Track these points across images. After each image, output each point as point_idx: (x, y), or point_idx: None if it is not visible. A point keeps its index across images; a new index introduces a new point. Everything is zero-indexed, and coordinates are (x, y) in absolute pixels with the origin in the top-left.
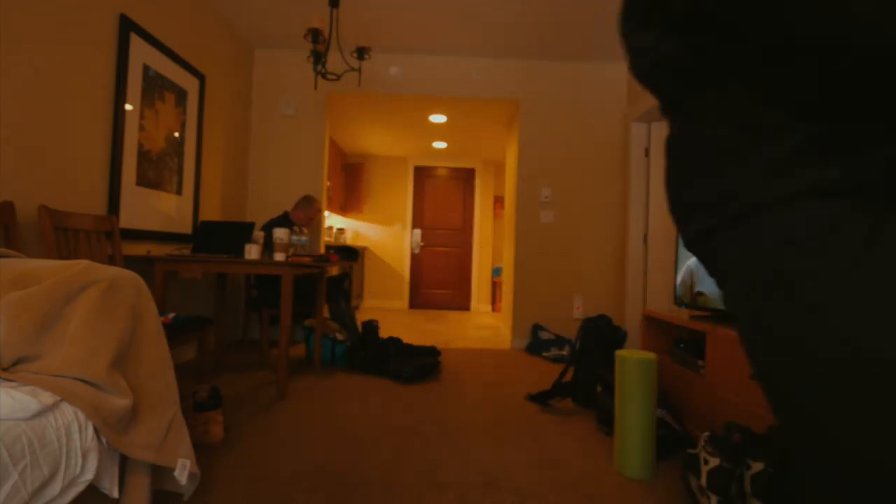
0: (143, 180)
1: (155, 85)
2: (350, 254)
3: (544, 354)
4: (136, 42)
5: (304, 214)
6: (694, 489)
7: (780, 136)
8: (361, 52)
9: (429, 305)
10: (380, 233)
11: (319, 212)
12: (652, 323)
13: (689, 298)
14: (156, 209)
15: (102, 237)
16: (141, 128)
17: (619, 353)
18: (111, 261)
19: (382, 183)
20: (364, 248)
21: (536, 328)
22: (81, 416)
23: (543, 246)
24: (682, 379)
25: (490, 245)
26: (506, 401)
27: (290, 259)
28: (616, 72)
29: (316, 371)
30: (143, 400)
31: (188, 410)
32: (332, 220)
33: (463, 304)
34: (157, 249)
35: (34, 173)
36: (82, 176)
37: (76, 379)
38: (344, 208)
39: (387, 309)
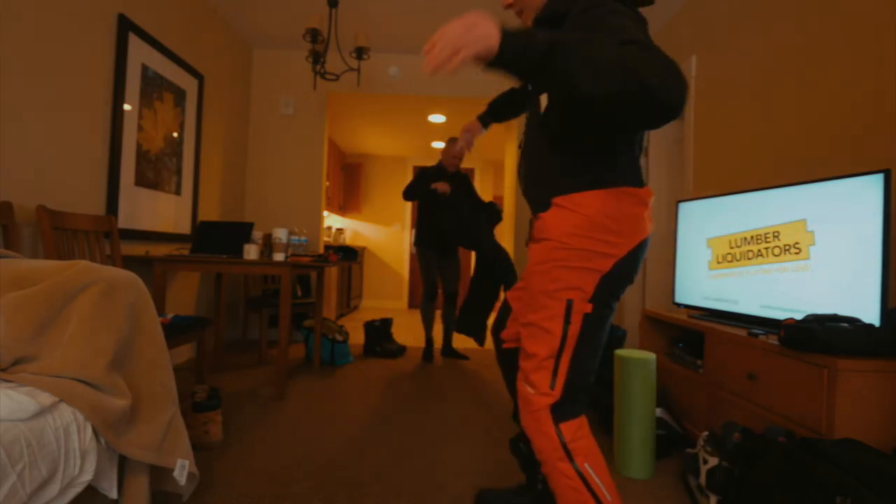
0: (141, 180)
1: (154, 85)
2: (349, 254)
3: None
4: (134, 42)
5: (445, 156)
6: (693, 489)
7: None
8: (360, 52)
9: None
10: (379, 233)
11: (460, 149)
12: (651, 322)
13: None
14: (154, 209)
15: (101, 237)
16: (139, 128)
17: (618, 352)
18: (110, 261)
19: (381, 183)
20: (363, 248)
21: None
22: (80, 416)
23: None
24: (682, 378)
25: None
26: (505, 400)
27: (288, 259)
28: None
29: (315, 371)
30: (141, 400)
31: (187, 411)
32: (331, 220)
33: None
34: (156, 250)
35: (32, 173)
36: (81, 176)
37: (75, 379)
38: (343, 208)
39: (386, 309)
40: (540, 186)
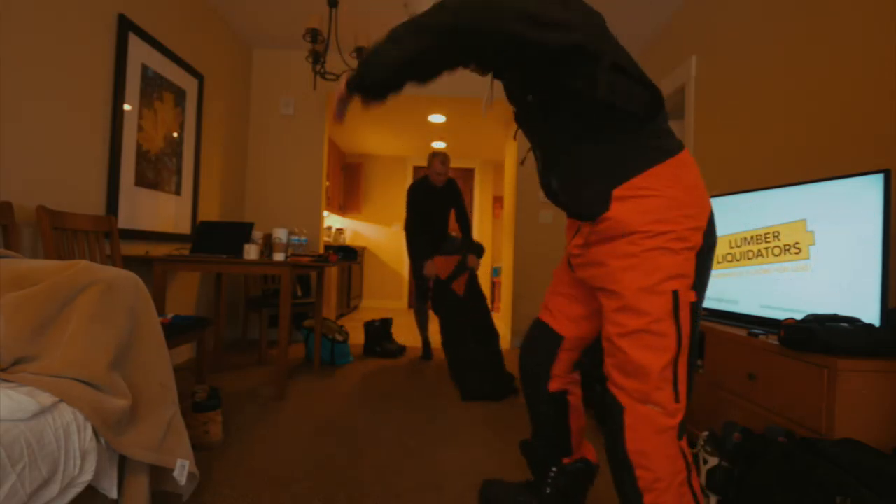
0: (141, 180)
1: (154, 85)
2: (349, 254)
3: None
4: (134, 42)
5: (430, 171)
6: None
7: None
8: (360, 52)
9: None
10: (379, 233)
11: (443, 164)
12: None
13: None
14: (154, 209)
15: (101, 237)
16: (139, 128)
17: None
18: (110, 261)
19: (381, 183)
20: (363, 248)
21: None
22: (80, 416)
23: (543, 246)
24: None
25: (489, 245)
26: (503, 399)
27: (288, 259)
28: None
29: (315, 371)
30: (141, 400)
31: (187, 411)
32: (331, 220)
33: None
34: (156, 250)
35: (32, 173)
36: (81, 176)
37: (75, 380)
38: (343, 208)
39: (386, 309)
40: (585, 187)
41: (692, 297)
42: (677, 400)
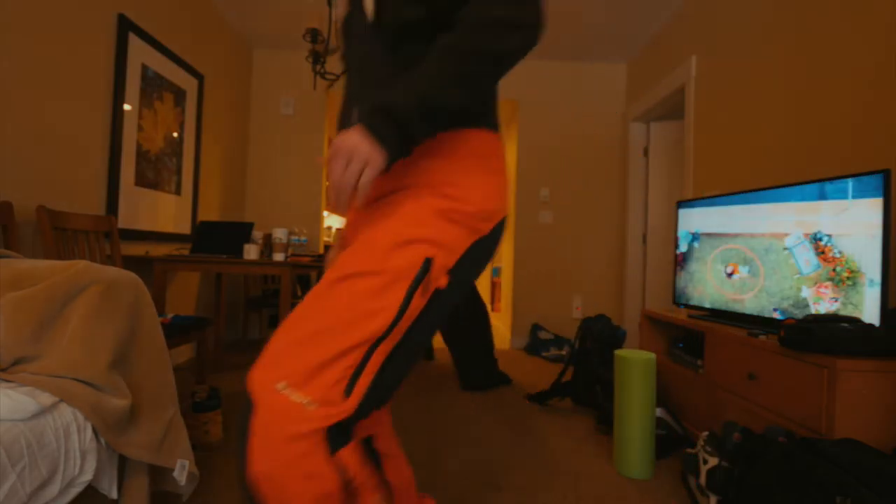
0: (141, 180)
1: (154, 85)
2: None
3: (543, 354)
4: (134, 42)
5: None
6: (693, 489)
7: None
8: None
9: None
10: None
11: None
12: (651, 322)
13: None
14: (154, 209)
15: (101, 237)
16: (139, 128)
17: (618, 352)
18: (110, 261)
19: None
20: None
21: (535, 328)
22: (80, 416)
23: (542, 246)
24: (682, 378)
25: None
26: (505, 400)
27: (288, 259)
28: (615, 72)
29: None
30: (141, 400)
31: (187, 411)
32: (331, 220)
33: None
34: (156, 250)
35: (32, 173)
36: (81, 176)
37: (75, 379)
38: None
39: None
40: None
41: (442, 280)
42: (348, 393)
